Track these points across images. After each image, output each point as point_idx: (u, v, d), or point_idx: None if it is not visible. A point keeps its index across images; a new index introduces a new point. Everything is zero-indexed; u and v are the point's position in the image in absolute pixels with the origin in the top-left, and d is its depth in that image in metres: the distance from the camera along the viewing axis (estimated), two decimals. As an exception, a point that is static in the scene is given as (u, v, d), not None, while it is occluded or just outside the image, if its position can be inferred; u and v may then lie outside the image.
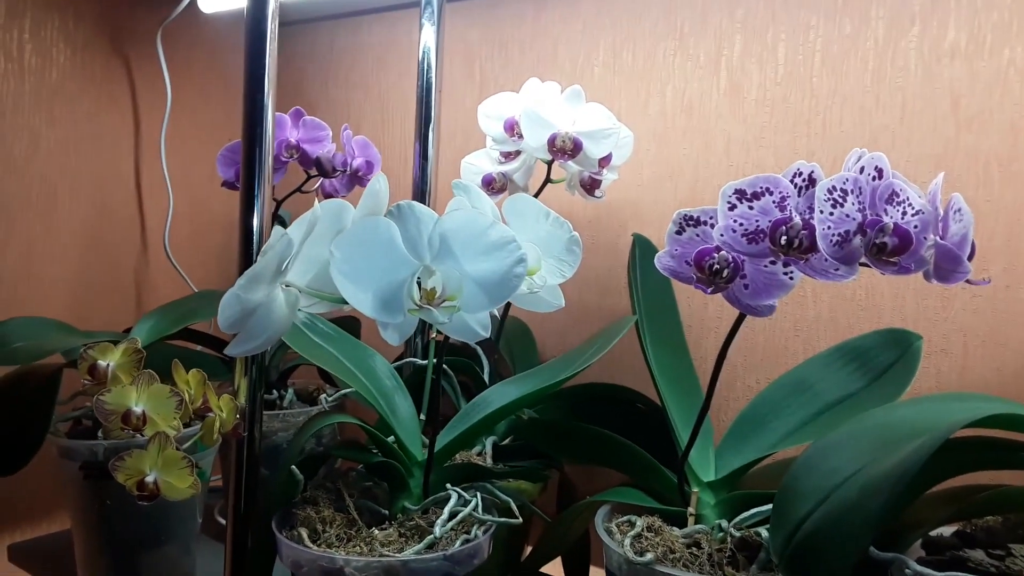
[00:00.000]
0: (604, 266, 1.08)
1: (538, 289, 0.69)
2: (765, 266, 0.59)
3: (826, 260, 0.56)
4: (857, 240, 0.56)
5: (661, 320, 0.86)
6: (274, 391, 1.08)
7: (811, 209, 0.56)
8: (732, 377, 0.98)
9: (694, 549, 0.66)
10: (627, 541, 0.66)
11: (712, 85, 0.99)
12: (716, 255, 0.59)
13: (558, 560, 0.88)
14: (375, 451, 0.79)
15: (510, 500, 0.76)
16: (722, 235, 0.59)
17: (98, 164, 1.23)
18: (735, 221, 0.58)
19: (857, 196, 0.56)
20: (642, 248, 0.90)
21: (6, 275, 1.14)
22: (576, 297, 1.10)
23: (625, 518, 0.72)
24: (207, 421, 0.75)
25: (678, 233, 0.61)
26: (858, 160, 0.57)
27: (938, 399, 0.65)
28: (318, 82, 1.39)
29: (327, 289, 0.61)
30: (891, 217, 0.55)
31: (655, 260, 0.62)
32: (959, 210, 0.56)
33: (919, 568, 0.55)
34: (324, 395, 1.05)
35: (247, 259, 0.75)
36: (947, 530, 0.64)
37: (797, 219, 0.57)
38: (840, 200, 0.56)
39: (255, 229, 0.76)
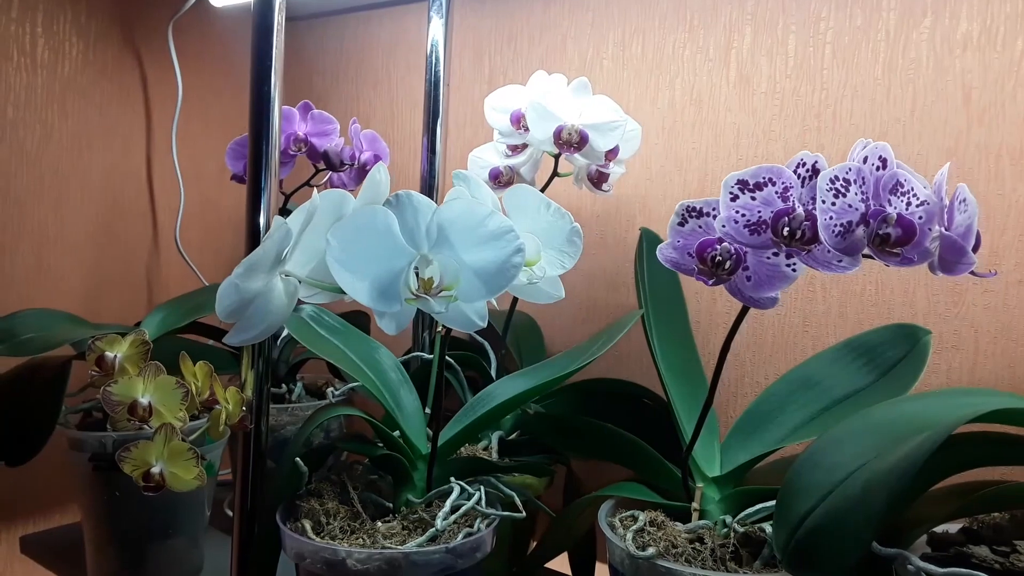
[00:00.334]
0: (612, 261, 1.07)
1: (537, 280, 0.68)
2: (768, 257, 0.58)
3: (829, 251, 0.56)
4: (860, 231, 0.55)
5: (668, 315, 0.86)
6: (283, 385, 1.08)
7: (814, 200, 0.56)
8: (740, 373, 0.97)
9: (697, 544, 0.66)
10: (629, 535, 0.66)
11: (722, 77, 0.98)
12: (718, 246, 0.59)
13: (564, 556, 0.88)
14: (380, 444, 0.79)
15: (514, 494, 0.76)
16: (724, 226, 0.58)
17: (110, 157, 1.24)
18: (737, 212, 0.58)
19: (860, 186, 0.55)
20: (649, 242, 0.90)
21: (18, 268, 1.15)
22: (584, 293, 1.09)
23: (628, 513, 0.71)
24: (213, 413, 0.75)
25: (680, 224, 0.61)
26: (863, 150, 0.57)
27: (944, 394, 0.64)
28: (328, 77, 1.39)
29: (327, 279, 0.61)
30: (895, 208, 0.55)
31: (657, 252, 0.61)
32: (964, 200, 0.55)
33: (922, 564, 0.54)
34: (331, 389, 1.06)
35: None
36: (953, 526, 0.63)
37: (800, 210, 0.56)
38: (843, 190, 0.55)
39: (262, 222, 0.76)
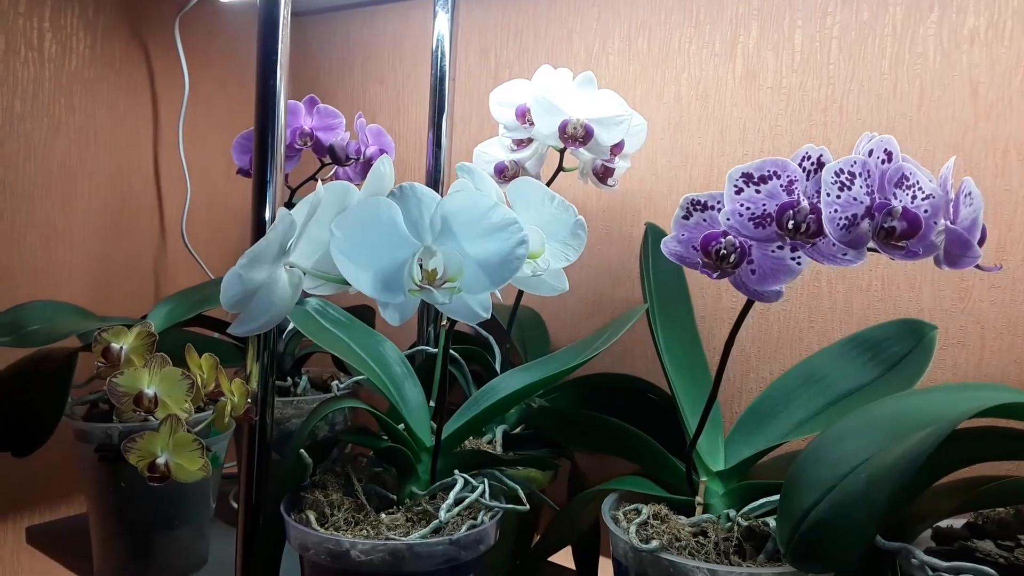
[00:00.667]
0: (617, 256, 1.07)
1: (541, 272, 0.68)
2: (772, 251, 0.58)
3: (833, 244, 0.55)
4: (865, 224, 0.55)
5: (673, 310, 0.86)
6: (288, 378, 1.09)
7: (819, 193, 0.56)
8: (746, 368, 0.97)
9: (700, 538, 0.66)
10: (633, 529, 0.66)
11: (728, 72, 0.98)
12: (723, 240, 0.58)
13: (568, 549, 0.88)
14: (384, 437, 0.79)
15: (518, 487, 0.76)
16: (729, 219, 0.58)
17: (117, 151, 1.25)
18: (742, 205, 0.58)
19: (865, 179, 0.55)
20: (654, 237, 0.89)
21: (26, 260, 1.16)
22: (589, 287, 1.09)
23: (632, 506, 0.71)
24: (219, 405, 0.75)
25: (685, 218, 0.61)
26: (868, 143, 0.56)
27: (948, 389, 0.64)
28: (334, 72, 1.39)
29: (332, 270, 0.61)
30: (900, 201, 0.54)
31: (661, 245, 0.61)
32: (969, 194, 0.55)
33: (926, 558, 0.54)
34: (336, 382, 1.06)
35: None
36: (957, 521, 0.63)
37: (804, 203, 0.56)
38: (848, 183, 0.55)
39: (267, 216, 0.76)
